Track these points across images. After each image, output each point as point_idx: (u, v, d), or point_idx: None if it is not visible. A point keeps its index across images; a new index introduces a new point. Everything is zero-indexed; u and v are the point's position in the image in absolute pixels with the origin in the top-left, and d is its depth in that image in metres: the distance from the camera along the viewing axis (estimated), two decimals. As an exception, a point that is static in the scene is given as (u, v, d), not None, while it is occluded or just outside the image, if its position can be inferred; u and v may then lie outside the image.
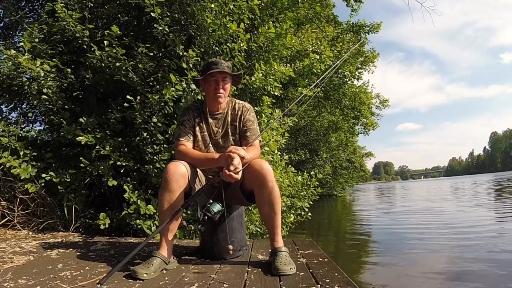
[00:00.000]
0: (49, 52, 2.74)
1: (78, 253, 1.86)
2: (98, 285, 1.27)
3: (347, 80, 10.24)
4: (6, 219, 2.50)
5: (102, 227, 2.44)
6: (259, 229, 3.22)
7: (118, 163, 2.55)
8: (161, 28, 2.58)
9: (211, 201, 1.52)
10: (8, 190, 2.55)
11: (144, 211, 2.43)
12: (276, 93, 3.13)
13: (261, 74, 2.99)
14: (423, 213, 9.08)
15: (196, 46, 2.75)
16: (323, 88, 9.67)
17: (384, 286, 3.04)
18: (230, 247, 1.52)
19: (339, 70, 9.20)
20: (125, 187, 2.49)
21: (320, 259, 1.63)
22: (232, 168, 1.42)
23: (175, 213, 1.49)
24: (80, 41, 2.70)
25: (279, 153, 3.32)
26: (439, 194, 17.93)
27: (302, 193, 3.57)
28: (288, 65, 3.54)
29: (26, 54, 2.53)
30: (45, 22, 2.81)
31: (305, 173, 3.65)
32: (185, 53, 2.63)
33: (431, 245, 4.63)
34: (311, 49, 6.29)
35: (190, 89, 2.62)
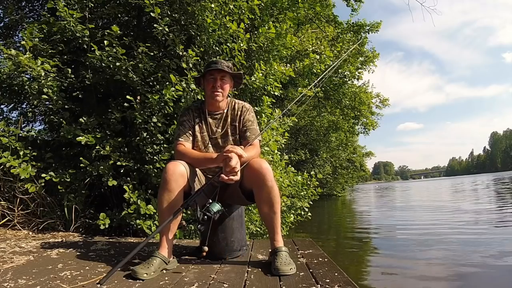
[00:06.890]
0: (50, 51, 2.73)
1: (78, 253, 1.86)
2: (98, 285, 1.27)
3: (347, 80, 10.24)
4: (6, 219, 2.50)
5: (102, 227, 2.44)
6: (259, 229, 3.22)
7: (118, 163, 2.55)
8: (161, 28, 2.57)
9: (211, 200, 1.52)
10: (8, 190, 2.55)
11: (144, 211, 2.43)
12: (276, 93, 3.13)
13: (261, 74, 2.99)
14: (423, 213, 9.08)
15: (196, 46, 2.75)
16: (323, 88, 9.67)
17: (384, 286, 3.04)
18: (206, 248, 1.51)
19: (339, 70, 9.20)
20: (125, 187, 2.50)
21: (320, 259, 1.63)
22: (229, 168, 1.42)
23: (175, 213, 1.49)
24: (80, 41, 2.70)
25: (279, 153, 3.32)
26: (439, 194, 17.93)
27: (302, 193, 3.57)
28: (288, 65, 3.54)
29: (27, 53, 2.53)
30: (45, 22, 2.81)
31: (305, 173, 3.65)
32: (185, 53, 2.63)
33: (431, 245, 4.63)
34: (311, 49, 6.30)
35: (190, 89, 2.62)
